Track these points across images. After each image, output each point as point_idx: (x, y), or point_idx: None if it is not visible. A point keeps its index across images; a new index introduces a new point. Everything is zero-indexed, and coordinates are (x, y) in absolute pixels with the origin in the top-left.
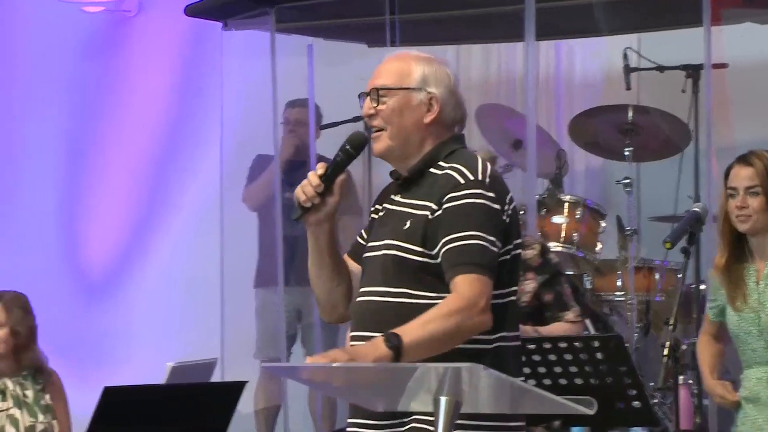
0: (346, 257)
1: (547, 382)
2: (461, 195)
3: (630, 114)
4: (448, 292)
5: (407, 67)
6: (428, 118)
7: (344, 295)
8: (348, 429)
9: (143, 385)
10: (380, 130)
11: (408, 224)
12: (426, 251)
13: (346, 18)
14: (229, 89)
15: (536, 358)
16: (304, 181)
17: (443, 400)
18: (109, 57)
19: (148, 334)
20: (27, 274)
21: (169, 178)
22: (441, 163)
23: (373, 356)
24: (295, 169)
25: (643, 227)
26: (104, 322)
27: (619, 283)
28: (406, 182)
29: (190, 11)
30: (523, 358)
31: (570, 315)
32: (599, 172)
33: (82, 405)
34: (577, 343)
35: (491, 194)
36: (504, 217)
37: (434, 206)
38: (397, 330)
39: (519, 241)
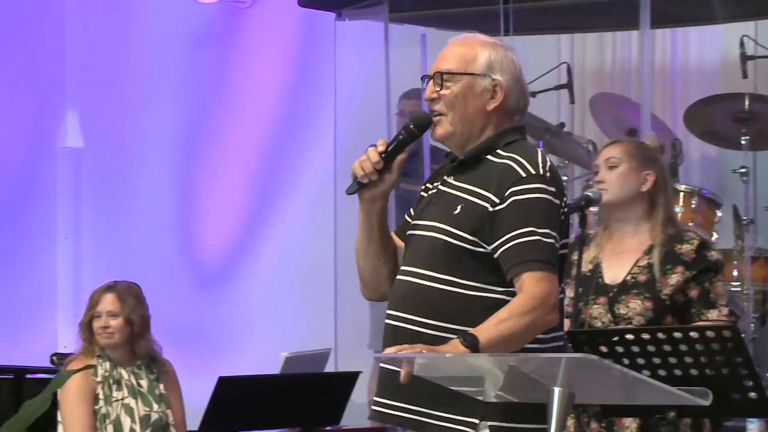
0: (393, 235)
1: (662, 373)
2: (524, 189)
3: (746, 102)
4: (495, 281)
5: (473, 52)
6: (491, 106)
7: (389, 273)
8: (373, 407)
9: (257, 376)
10: (442, 114)
11: (459, 209)
12: (476, 239)
13: (460, 7)
14: (342, 80)
15: (651, 348)
16: (363, 156)
17: (557, 390)
18: (223, 48)
19: (262, 324)
20: (143, 264)
21: (283, 168)
22: (499, 151)
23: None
24: (409, 160)
25: (760, 216)
26: (219, 312)
27: (735, 273)
28: (462, 165)
29: (304, 2)
30: (638, 349)
31: (713, 314)
32: (715, 162)
33: (198, 395)
34: (692, 334)
35: (552, 189)
36: (561, 213)
37: (494, 198)
38: (473, 330)
39: (566, 240)
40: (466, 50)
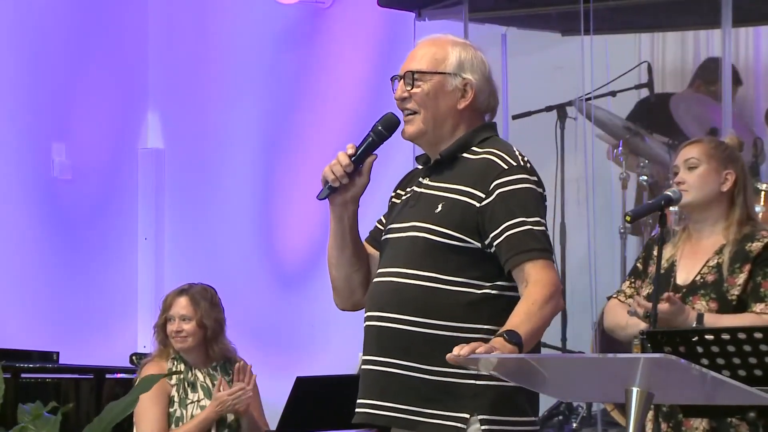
0: (364, 243)
1: (742, 373)
2: (508, 181)
3: None
4: (479, 275)
5: (443, 51)
6: (462, 104)
7: (362, 280)
8: (358, 410)
9: (335, 376)
10: (413, 113)
11: (440, 207)
12: (461, 236)
13: (540, 7)
14: None
15: (731, 348)
16: (334, 161)
17: (635, 391)
18: (304, 49)
19: (341, 324)
20: (223, 265)
21: None
22: (475, 148)
23: (504, 352)
24: None
25: None
26: (298, 312)
27: None
28: (437, 165)
29: (384, 2)
30: (717, 349)
31: (759, 307)
32: None
33: (277, 394)
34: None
35: (534, 178)
36: (545, 202)
37: (479, 193)
38: (510, 326)
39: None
40: (437, 50)
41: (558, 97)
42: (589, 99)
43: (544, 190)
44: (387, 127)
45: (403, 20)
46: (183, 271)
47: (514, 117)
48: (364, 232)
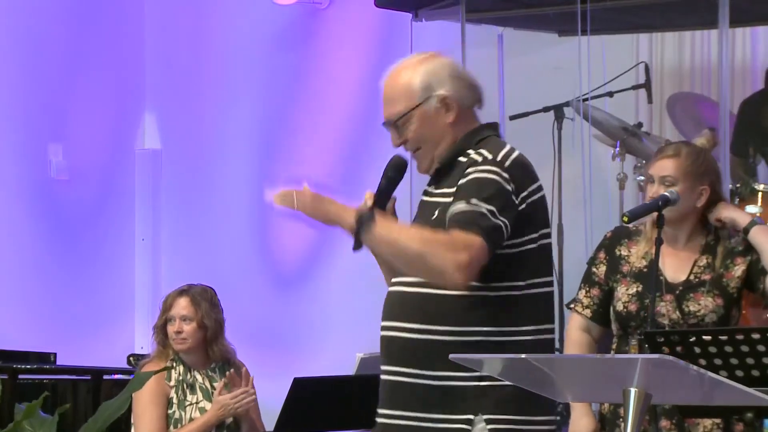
0: None
1: (739, 373)
2: (476, 170)
3: None
4: (477, 279)
5: (407, 82)
6: (450, 118)
7: None
8: (378, 420)
9: (332, 376)
10: (419, 149)
11: (436, 214)
12: None
13: (537, 7)
14: None
15: (728, 349)
16: None
17: (633, 391)
18: (301, 49)
19: (338, 325)
20: (221, 265)
21: (361, 169)
22: (470, 150)
23: (347, 224)
24: None
25: None
26: (296, 313)
27: None
28: (438, 173)
29: (381, 2)
30: (715, 349)
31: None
32: None
33: (274, 395)
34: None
35: (505, 174)
36: (516, 200)
37: (454, 190)
38: (379, 217)
39: (546, 230)
40: (400, 84)
41: (555, 98)
42: (587, 99)
43: (522, 192)
44: (396, 170)
45: (400, 21)
46: (180, 272)
47: (511, 118)
48: None
